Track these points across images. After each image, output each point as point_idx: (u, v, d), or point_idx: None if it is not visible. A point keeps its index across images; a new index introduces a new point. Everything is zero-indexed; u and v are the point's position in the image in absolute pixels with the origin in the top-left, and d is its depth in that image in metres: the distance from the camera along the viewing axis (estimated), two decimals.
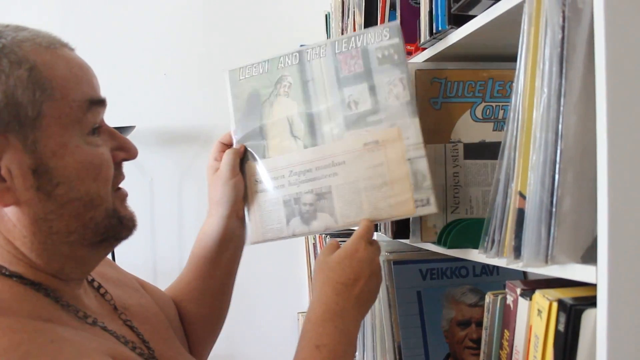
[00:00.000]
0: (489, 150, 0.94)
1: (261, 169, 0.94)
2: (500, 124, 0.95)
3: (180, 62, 2.47)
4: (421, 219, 0.95)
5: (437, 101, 0.96)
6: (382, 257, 1.20)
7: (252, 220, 0.95)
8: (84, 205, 0.66)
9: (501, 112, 0.95)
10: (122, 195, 0.73)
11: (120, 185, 0.74)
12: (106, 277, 0.83)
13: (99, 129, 0.69)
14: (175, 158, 2.47)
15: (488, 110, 0.95)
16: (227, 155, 0.93)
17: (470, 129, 0.95)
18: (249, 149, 0.95)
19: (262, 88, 0.95)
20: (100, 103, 0.69)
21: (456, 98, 0.95)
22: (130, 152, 0.73)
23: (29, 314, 0.62)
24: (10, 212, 0.64)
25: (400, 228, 1.04)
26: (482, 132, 0.95)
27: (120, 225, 0.71)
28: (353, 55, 0.89)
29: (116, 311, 0.77)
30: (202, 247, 0.96)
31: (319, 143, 0.91)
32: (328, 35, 1.98)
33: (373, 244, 0.85)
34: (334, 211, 0.90)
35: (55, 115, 0.64)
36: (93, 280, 0.79)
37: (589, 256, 0.61)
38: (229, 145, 0.97)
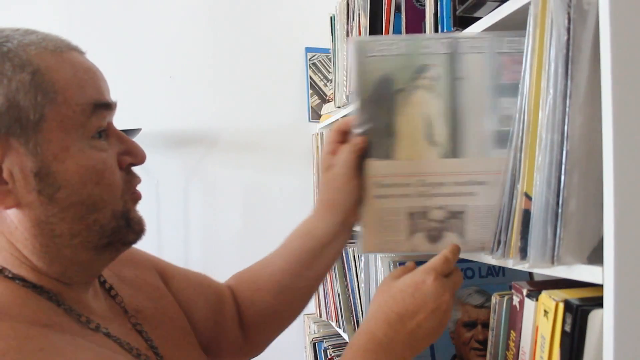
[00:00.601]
0: None
1: (384, 171, 0.82)
2: None
3: (186, 64, 2.47)
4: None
5: None
6: (388, 258, 1.20)
7: (368, 228, 0.84)
8: (86, 208, 0.65)
9: None
10: (135, 198, 0.72)
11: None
12: (122, 276, 0.82)
13: (107, 132, 0.69)
14: (181, 161, 2.48)
15: None
16: (346, 153, 0.83)
17: None
18: (372, 144, 0.82)
19: (397, 72, 0.80)
20: (107, 107, 0.67)
21: None
22: (137, 157, 0.71)
23: (28, 319, 0.61)
24: (12, 214, 0.64)
25: None
26: None
27: (128, 227, 0.69)
28: (518, 61, 0.73)
29: (126, 314, 0.76)
30: (300, 246, 0.91)
31: (460, 155, 0.80)
32: (333, 38, 1.98)
33: (449, 276, 0.77)
34: (465, 233, 0.80)
35: (58, 118, 0.63)
36: (104, 281, 0.78)
37: (595, 257, 0.61)
38: (346, 134, 0.86)
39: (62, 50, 0.66)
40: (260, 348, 0.98)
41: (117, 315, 0.74)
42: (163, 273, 0.90)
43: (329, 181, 0.87)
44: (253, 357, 0.98)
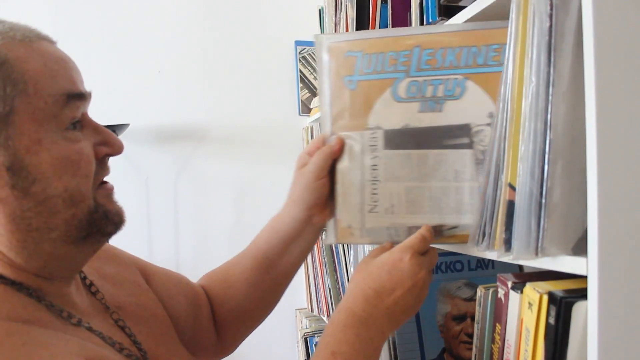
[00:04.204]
0: (414, 138, 0.79)
1: None
2: (428, 104, 0.79)
3: (175, 59, 2.45)
4: (335, 219, 0.86)
5: (351, 79, 0.81)
6: None
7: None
8: (63, 201, 0.63)
9: (430, 88, 0.78)
10: (107, 190, 0.70)
11: (106, 179, 0.71)
12: (102, 273, 0.81)
13: (82, 123, 0.67)
14: (171, 156, 2.46)
15: (413, 87, 0.79)
16: (319, 153, 0.87)
17: (391, 112, 0.80)
18: None
19: None
20: (80, 97, 0.66)
21: (374, 74, 0.80)
22: (114, 147, 0.70)
23: (8, 315, 0.60)
24: None
25: None
26: (406, 115, 0.79)
27: (106, 220, 0.68)
28: None
29: (108, 310, 0.75)
30: (267, 242, 0.92)
31: None
32: (322, 31, 1.97)
33: (426, 254, 0.78)
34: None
35: (29, 110, 0.61)
36: (85, 277, 0.77)
37: (580, 248, 0.60)
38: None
39: (31, 40, 0.64)
40: (231, 347, 0.98)
41: (99, 312, 0.74)
42: (143, 270, 0.90)
43: (298, 178, 0.89)
44: (224, 357, 0.98)
